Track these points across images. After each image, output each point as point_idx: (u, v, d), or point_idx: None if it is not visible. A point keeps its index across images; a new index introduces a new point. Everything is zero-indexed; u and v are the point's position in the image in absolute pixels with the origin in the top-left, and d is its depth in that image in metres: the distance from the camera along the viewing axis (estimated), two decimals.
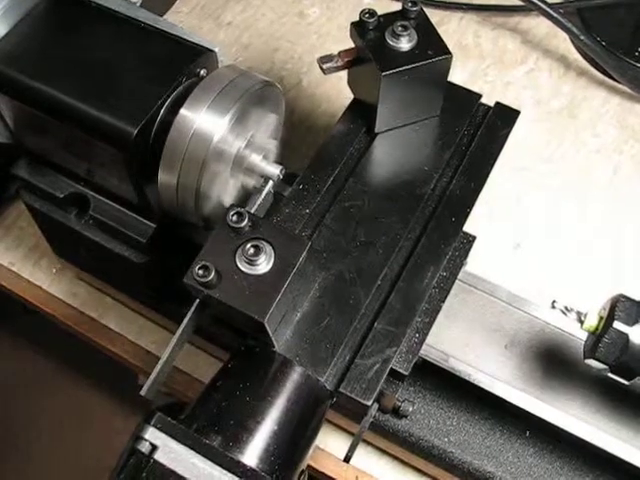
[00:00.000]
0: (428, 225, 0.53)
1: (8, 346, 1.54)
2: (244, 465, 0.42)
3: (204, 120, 0.48)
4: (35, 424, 1.49)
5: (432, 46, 0.54)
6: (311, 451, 0.49)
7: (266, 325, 0.44)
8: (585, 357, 0.51)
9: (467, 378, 0.57)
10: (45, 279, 0.77)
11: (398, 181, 0.55)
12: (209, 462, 0.42)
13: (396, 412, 0.58)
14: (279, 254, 0.45)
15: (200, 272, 0.44)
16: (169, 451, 0.42)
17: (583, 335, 0.53)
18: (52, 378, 1.51)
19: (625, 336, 0.48)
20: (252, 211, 0.52)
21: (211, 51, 0.54)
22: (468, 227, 0.54)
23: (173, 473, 0.42)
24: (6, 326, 1.51)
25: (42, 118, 0.53)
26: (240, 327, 0.48)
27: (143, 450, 0.42)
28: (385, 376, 0.47)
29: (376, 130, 0.57)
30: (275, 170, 0.53)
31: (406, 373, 0.49)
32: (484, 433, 0.60)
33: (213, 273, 0.44)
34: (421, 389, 0.61)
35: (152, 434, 0.42)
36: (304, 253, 0.45)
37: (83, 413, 1.49)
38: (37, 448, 1.47)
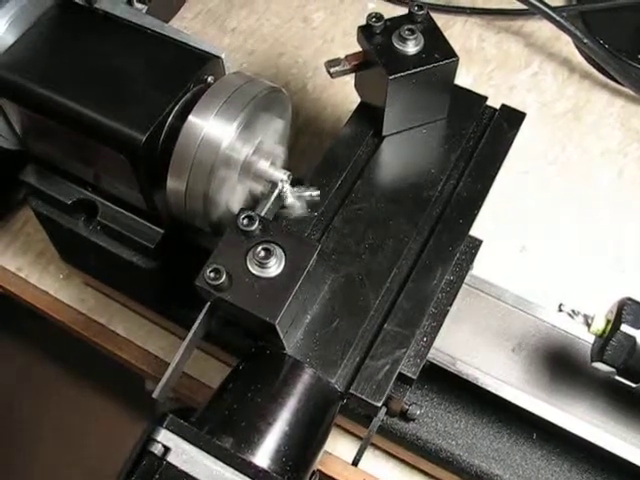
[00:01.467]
0: (436, 227, 0.54)
1: (15, 350, 1.54)
2: (256, 466, 0.43)
3: (212, 126, 0.49)
4: (40, 427, 1.49)
5: (439, 49, 0.54)
6: (322, 452, 0.49)
7: (277, 327, 0.44)
8: (592, 360, 0.51)
9: (474, 381, 0.57)
10: (53, 285, 0.77)
11: (406, 183, 0.56)
12: (221, 463, 0.42)
13: (404, 416, 0.58)
14: (289, 257, 0.46)
15: (211, 275, 0.44)
16: (181, 453, 0.42)
17: (590, 338, 0.53)
18: (57, 382, 1.51)
19: (632, 339, 0.48)
20: (262, 215, 0.52)
21: (218, 57, 0.54)
22: (474, 231, 0.55)
23: (186, 475, 0.42)
24: (13, 330, 1.52)
25: (50, 125, 0.53)
26: (251, 329, 0.48)
27: (156, 452, 0.42)
28: (395, 377, 0.47)
29: (383, 133, 0.57)
30: (283, 176, 0.54)
31: (414, 377, 0.49)
32: (491, 436, 0.60)
33: (224, 276, 0.44)
34: (428, 392, 0.62)
35: (164, 436, 0.43)
36: (314, 256, 0.46)
37: (88, 416, 1.49)
38: (41, 451, 1.47)
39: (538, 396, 0.57)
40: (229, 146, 0.49)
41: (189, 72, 0.52)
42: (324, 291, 0.50)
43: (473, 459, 0.60)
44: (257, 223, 0.46)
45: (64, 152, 0.57)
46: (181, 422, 0.43)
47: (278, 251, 0.46)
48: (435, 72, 0.54)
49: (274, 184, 0.54)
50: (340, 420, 0.64)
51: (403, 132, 0.58)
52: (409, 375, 0.49)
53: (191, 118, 0.49)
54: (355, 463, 0.53)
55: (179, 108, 0.51)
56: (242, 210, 0.46)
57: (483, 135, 0.58)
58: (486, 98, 0.60)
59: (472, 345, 0.59)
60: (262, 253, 0.45)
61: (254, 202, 0.55)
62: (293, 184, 0.55)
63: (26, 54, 0.54)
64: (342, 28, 0.91)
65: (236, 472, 0.42)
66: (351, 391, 0.47)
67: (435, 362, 0.57)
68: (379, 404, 0.47)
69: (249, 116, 0.49)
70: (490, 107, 0.60)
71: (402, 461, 0.66)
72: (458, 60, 0.54)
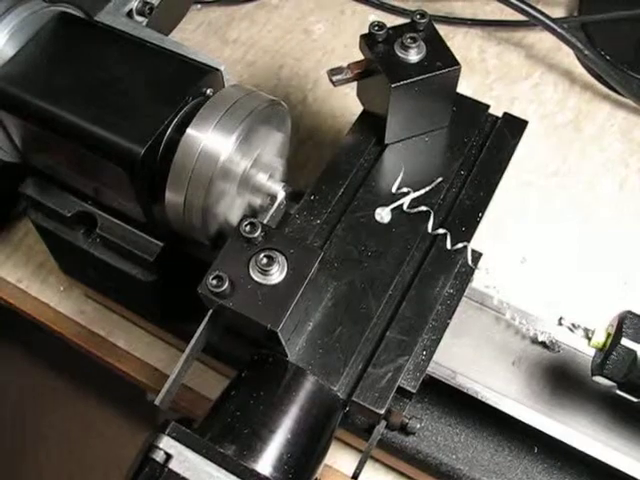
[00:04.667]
0: (438, 235, 0.53)
1: (17, 362, 1.54)
2: (258, 474, 0.43)
3: (211, 140, 0.49)
4: (42, 438, 1.49)
5: (441, 57, 0.54)
6: (324, 460, 0.49)
7: (279, 334, 0.44)
8: (593, 374, 0.51)
9: (475, 395, 0.57)
10: (53, 297, 0.77)
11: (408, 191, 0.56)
12: (223, 471, 0.42)
13: (404, 429, 0.58)
14: (292, 264, 0.46)
15: (214, 282, 0.44)
16: (183, 460, 0.42)
17: (591, 351, 0.53)
18: (60, 394, 1.51)
19: (633, 353, 0.48)
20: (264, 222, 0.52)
21: (217, 70, 0.54)
22: (474, 242, 0.54)
23: None
24: (14, 342, 1.52)
25: (50, 138, 0.53)
26: (253, 337, 0.48)
27: (157, 459, 0.42)
28: (397, 385, 0.47)
29: (386, 141, 0.57)
30: (281, 189, 0.54)
31: (414, 391, 0.49)
32: (492, 450, 0.60)
33: (227, 283, 0.44)
34: (429, 406, 0.61)
35: (167, 443, 0.42)
36: (317, 263, 0.46)
37: (90, 428, 1.49)
38: (44, 462, 1.47)
39: (539, 410, 0.56)
40: (227, 159, 0.49)
41: (188, 85, 0.52)
42: (326, 299, 0.50)
43: (474, 473, 0.59)
44: (259, 230, 0.46)
45: (63, 165, 0.57)
46: (183, 429, 0.43)
47: (280, 258, 0.46)
48: (437, 80, 0.54)
49: (273, 197, 0.54)
50: (340, 433, 0.64)
51: (405, 140, 0.58)
52: (409, 389, 0.49)
53: (189, 131, 0.49)
54: (355, 476, 0.53)
55: (178, 121, 0.51)
56: (245, 217, 0.47)
57: (485, 143, 0.58)
58: (488, 106, 0.59)
59: (472, 358, 0.59)
60: (264, 260, 0.45)
61: (253, 215, 0.55)
62: (292, 197, 0.55)
63: (25, 67, 0.54)
64: (343, 40, 0.91)
65: None
66: (353, 399, 0.47)
67: (435, 376, 0.57)
68: (381, 411, 0.46)
69: (247, 129, 0.49)
70: (492, 115, 0.60)
71: (402, 474, 0.66)
72: (460, 68, 0.54)
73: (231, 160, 0.49)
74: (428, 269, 0.52)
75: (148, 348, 0.73)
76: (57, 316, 0.76)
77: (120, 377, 0.76)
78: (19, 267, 0.79)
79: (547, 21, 0.79)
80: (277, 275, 0.45)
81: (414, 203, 0.54)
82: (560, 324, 0.53)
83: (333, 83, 0.56)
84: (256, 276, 0.45)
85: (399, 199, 0.54)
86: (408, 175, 0.56)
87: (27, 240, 0.80)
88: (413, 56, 0.54)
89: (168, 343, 0.73)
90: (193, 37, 0.92)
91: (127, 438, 1.41)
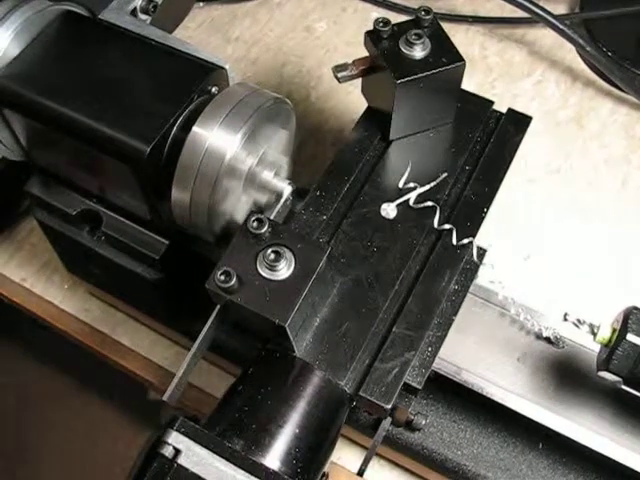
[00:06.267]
0: (444, 230, 0.54)
1: (20, 360, 1.54)
2: (267, 468, 0.43)
3: (216, 138, 0.49)
4: (45, 438, 1.49)
5: (445, 54, 0.54)
6: (332, 455, 0.49)
7: (287, 329, 0.45)
8: (598, 369, 0.51)
9: (480, 391, 0.57)
10: (57, 295, 0.77)
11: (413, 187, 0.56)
12: (232, 465, 0.42)
13: (409, 425, 0.58)
14: (299, 260, 0.46)
15: (222, 277, 0.45)
16: (192, 455, 0.42)
17: (596, 347, 0.53)
18: (63, 392, 1.51)
19: (639, 348, 0.48)
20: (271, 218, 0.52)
21: (222, 68, 0.54)
22: (478, 239, 0.55)
23: (197, 477, 0.42)
24: (18, 341, 1.52)
25: (55, 136, 0.53)
26: (261, 332, 0.49)
27: (166, 454, 0.42)
28: (404, 379, 0.48)
29: (391, 137, 0.57)
30: (287, 186, 0.54)
31: (419, 387, 0.49)
32: (497, 446, 0.60)
33: (234, 278, 0.44)
34: (434, 402, 0.61)
35: (175, 438, 0.43)
36: (324, 259, 0.46)
37: (92, 427, 1.49)
38: (47, 462, 1.47)
39: (544, 405, 0.57)
40: (233, 157, 0.49)
41: (193, 83, 0.52)
42: (333, 294, 0.51)
43: (479, 469, 0.59)
44: (267, 226, 0.46)
45: (68, 163, 0.57)
46: (192, 424, 0.43)
47: (288, 254, 0.46)
48: (442, 76, 0.54)
49: (278, 194, 0.54)
50: (346, 430, 0.64)
51: (410, 136, 0.58)
52: (414, 385, 0.49)
53: (195, 129, 0.49)
54: (360, 473, 0.53)
55: (183, 119, 0.51)
56: (252, 213, 0.47)
57: (490, 139, 0.58)
58: (492, 102, 0.60)
59: (477, 354, 0.59)
60: (272, 256, 0.46)
61: (259, 212, 0.55)
62: (297, 194, 0.55)
63: (30, 65, 0.54)
64: (345, 38, 0.91)
65: (247, 474, 0.42)
66: (360, 393, 0.47)
67: (440, 372, 0.57)
68: (388, 406, 0.47)
69: (253, 127, 0.49)
70: (496, 111, 0.60)
71: (408, 471, 0.66)
72: (465, 64, 0.54)
73: (237, 158, 0.49)
74: (434, 264, 0.52)
75: (153, 346, 0.73)
76: (61, 314, 0.76)
77: (124, 375, 0.76)
78: (23, 266, 0.79)
79: (549, 18, 0.79)
80: (285, 270, 0.46)
81: (419, 199, 0.54)
82: (565, 320, 0.53)
83: (338, 80, 0.57)
84: (264, 271, 0.46)
85: (404, 195, 0.54)
86: (413, 171, 0.56)
87: (31, 239, 0.80)
88: (418, 52, 0.54)
89: (173, 341, 0.73)
90: (196, 35, 0.92)
91: (130, 437, 1.41)
